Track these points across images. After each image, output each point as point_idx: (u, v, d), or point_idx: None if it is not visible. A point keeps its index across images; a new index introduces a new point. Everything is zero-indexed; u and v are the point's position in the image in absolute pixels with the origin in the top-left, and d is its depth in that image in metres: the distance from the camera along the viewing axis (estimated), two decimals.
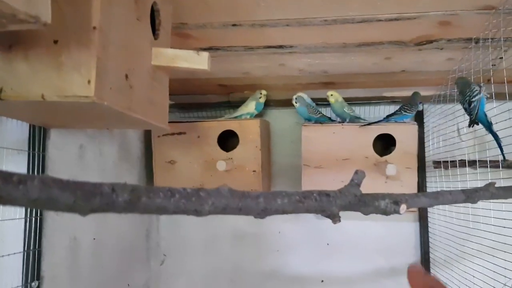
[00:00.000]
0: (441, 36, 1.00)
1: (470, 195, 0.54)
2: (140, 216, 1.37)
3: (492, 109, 1.01)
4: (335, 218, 0.47)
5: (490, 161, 1.05)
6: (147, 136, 1.37)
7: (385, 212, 0.49)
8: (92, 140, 1.07)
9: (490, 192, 0.56)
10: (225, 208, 0.39)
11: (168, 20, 0.87)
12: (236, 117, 1.36)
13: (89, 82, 0.58)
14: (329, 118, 1.32)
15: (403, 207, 0.48)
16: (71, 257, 0.98)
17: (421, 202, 0.51)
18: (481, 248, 1.17)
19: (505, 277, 0.99)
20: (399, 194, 0.50)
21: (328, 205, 0.46)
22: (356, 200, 0.47)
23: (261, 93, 1.36)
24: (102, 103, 0.60)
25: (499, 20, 0.90)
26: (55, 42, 0.60)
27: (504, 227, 1.00)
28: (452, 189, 1.21)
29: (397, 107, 1.28)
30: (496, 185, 0.57)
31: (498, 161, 1.02)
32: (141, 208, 0.35)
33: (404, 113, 1.23)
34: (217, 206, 0.39)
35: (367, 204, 0.48)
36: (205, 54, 0.76)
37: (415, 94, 1.28)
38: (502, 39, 0.91)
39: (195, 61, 0.77)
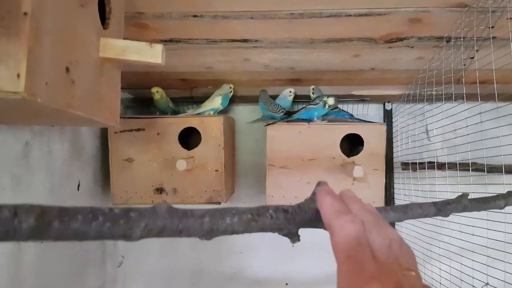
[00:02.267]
0: (411, 33, 0.96)
1: (442, 208, 0.50)
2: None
3: (464, 112, 0.98)
4: (293, 238, 0.41)
5: (459, 163, 1.02)
6: (103, 133, 1.28)
7: None
8: (39, 137, 0.98)
9: (462, 204, 0.52)
10: (162, 230, 0.33)
11: (121, 8, 0.79)
12: (200, 113, 1.29)
13: (18, 76, 0.51)
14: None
15: None
16: (14, 264, 0.89)
17: (390, 217, 0.46)
18: (446, 253, 1.15)
19: (473, 278, 0.97)
20: None
21: (286, 224, 0.40)
22: (318, 217, 0.42)
23: (230, 87, 1.29)
24: (35, 100, 0.53)
25: (472, 18, 0.87)
26: None
27: (468, 232, 0.98)
28: (419, 191, 1.19)
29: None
30: (468, 196, 0.53)
31: (467, 164, 0.99)
32: (52, 235, 0.28)
33: (311, 106, 1.19)
34: (151, 228, 0.33)
35: None
36: (158, 47, 0.70)
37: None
38: (475, 38, 0.88)
39: (147, 54, 0.70)
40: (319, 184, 0.44)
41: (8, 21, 0.51)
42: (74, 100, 0.62)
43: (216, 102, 1.28)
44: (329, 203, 0.38)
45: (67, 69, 0.60)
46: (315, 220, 0.42)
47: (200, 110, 1.30)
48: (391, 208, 0.47)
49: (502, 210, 0.58)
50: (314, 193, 0.43)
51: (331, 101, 1.16)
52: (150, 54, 0.70)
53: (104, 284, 1.36)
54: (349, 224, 0.34)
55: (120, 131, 1.22)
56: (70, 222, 0.29)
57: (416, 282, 0.32)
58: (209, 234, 0.36)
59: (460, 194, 0.54)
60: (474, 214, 0.99)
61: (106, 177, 1.27)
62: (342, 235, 0.34)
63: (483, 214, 0.96)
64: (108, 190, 1.25)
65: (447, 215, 0.51)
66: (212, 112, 1.29)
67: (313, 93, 1.26)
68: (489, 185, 0.90)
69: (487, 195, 0.83)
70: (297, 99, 1.34)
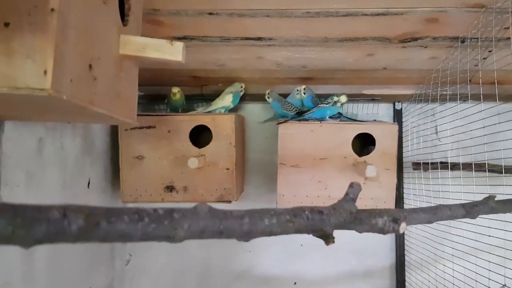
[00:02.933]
0: (426, 33, 0.96)
1: (470, 210, 0.50)
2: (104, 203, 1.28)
3: (467, 109, 0.98)
4: (328, 239, 0.41)
5: (472, 164, 1.02)
6: (114, 129, 1.28)
7: (383, 231, 0.43)
8: (52, 133, 0.97)
9: (489, 206, 0.51)
10: (203, 231, 0.33)
11: (139, 5, 0.79)
12: (210, 111, 1.28)
13: (45, 72, 0.50)
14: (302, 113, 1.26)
15: (403, 225, 0.43)
16: (26, 261, 0.89)
17: (420, 219, 0.46)
18: (455, 252, 1.15)
19: (489, 279, 0.97)
20: (397, 210, 0.44)
21: (321, 224, 0.40)
22: (352, 218, 0.42)
23: (242, 86, 1.29)
24: (61, 97, 0.52)
25: (488, 19, 0.87)
26: (6, 25, 0.51)
27: (483, 233, 0.98)
28: (431, 191, 1.19)
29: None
30: (495, 199, 0.53)
31: (479, 164, 0.99)
32: (99, 236, 0.28)
33: (322, 105, 1.19)
34: (193, 230, 0.32)
35: (363, 222, 0.42)
36: (179, 44, 0.69)
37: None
38: (493, 38, 0.87)
39: (168, 51, 0.69)
40: (352, 185, 0.43)
41: (35, 17, 0.51)
42: (96, 97, 0.62)
43: (227, 100, 1.28)
44: None
45: (90, 66, 0.60)
46: (349, 221, 0.42)
47: (211, 108, 1.29)
48: (421, 210, 0.47)
49: None
50: (347, 194, 0.43)
51: (343, 99, 1.16)
52: (171, 52, 0.69)
53: (112, 282, 1.36)
54: None
55: (131, 128, 1.22)
56: (117, 223, 0.28)
57: None
58: (248, 235, 0.36)
59: (487, 196, 0.53)
60: (479, 218, 0.99)
61: (116, 174, 1.27)
62: None
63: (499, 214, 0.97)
64: (117, 187, 1.25)
65: (474, 217, 0.51)
66: (222, 110, 1.29)
67: (304, 93, 1.24)
68: (499, 186, 0.90)
69: (503, 196, 0.83)
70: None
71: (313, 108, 1.22)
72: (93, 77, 0.61)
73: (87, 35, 0.58)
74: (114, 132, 1.28)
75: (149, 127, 1.22)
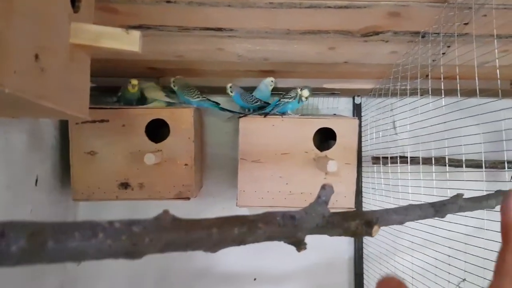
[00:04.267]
0: (388, 28, 0.95)
1: (439, 209, 0.49)
2: (55, 214, 1.21)
3: (427, 104, 0.99)
4: (300, 245, 0.39)
5: (432, 158, 1.03)
6: (64, 124, 1.20)
7: (355, 234, 0.41)
8: None
9: (458, 204, 0.50)
10: (168, 245, 0.30)
11: None
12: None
13: None
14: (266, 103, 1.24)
15: (375, 229, 0.41)
16: None
17: (392, 220, 0.44)
18: (412, 244, 1.17)
19: (434, 273, 0.98)
20: (369, 212, 0.42)
21: (294, 231, 0.37)
22: (324, 222, 0.39)
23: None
24: (2, 90, 0.47)
25: (449, 14, 0.87)
26: None
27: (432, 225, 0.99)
28: (390, 185, 1.19)
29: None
30: (463, 196, 0.52)
31: (443, 158, 1.00)
32: (46, 257, 0.24)
33: (286, 100, 1.18)
34: (156, 244, 0.29)
35: (336, 226, 0.40)
36: (136, 34, 0.64)
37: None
38: (454, 33, 0.88)
39: (123, 41, 0.64)
40: (324, 187, 0.41)
41: None
42: (44, 90, 0.56)
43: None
44: None
45: (37, 56, 0.54)
46: (322, 225, 0.39)
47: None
48: (393, 211, 0.45)
49: None
50: (319, 197, 0.41)
51: (305, 93, 1.14)
52: (127, 41, 0.65)
53: (64, 285, 1.29)
54: None
55: (82, 122, 1.15)
56: (67, 241, 0.24)
57: None
58: (216, 246, 0.33)
59: (456, 194, 0.53)
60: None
61: (66, 171, 1.19)
62: None
63: None
64: (68, 185, 1.18)
65: (443, 216, 0.50)
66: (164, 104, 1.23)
67: (231, 92, 1.23)
68: (459, 180, 0.91)
69: (462, 191, 0.83)
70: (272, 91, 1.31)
71: (275, 103, 1.19)
72: (40, 68, 0.55)
73: (33, 22, 0.53)
74: (64, 127, 1.20)
75: (102, 121, 1.16)
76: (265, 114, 1.17)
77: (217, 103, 1.27)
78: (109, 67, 1.20)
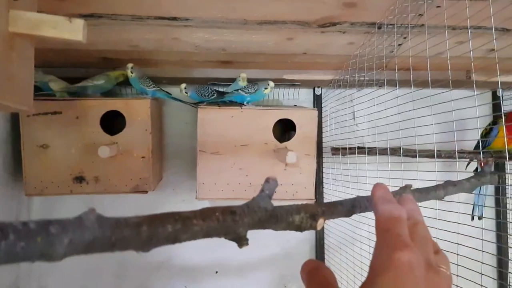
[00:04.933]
0: (345, 18, 0.95)
1: None
2: (7, 208, 1.17)
3: (383, 95, 1.00)
4: (241, 242, 0.38)
5: (388, 148, 1.04)
6: (15, 116, 1.16)
7: (300, 228, 0.41)
8: None
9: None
10: (91, 244, 0.28)
11: None
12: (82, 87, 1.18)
13: None
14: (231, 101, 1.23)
15: (320, 222, 0.41)
16: None
17: (338, 213, 0.44)
18: (369, 234, 1.18)
19: None
20: (314, 205, 0.42)
21: (234, 226, 0.36)
22: (267, 216, 0.39)
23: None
24: None
25: (404, 5, 0.88)
26: None
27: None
28: (349, 176, 1.21)
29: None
30: (411, 188, 0.52)
31: (399, 148, 1.02)
32: None
33: (242, 92, 1.17)
34: (77, 244, 0.27)
35: (279, 219, 0.40)
36: (79, 22, 0.62)
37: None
38: (408, 25, 0.89)
39: (66, 29, 0.61)
40: (268, 180, 0.40)
41: None
42: None
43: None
44: (382, 192, 0.40)
45: None
46: (265, 220, 0.39)
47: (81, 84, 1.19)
48: (339, 203, 0.45)
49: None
50: (262, 191, 0.40)
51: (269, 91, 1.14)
52: (69, 30, 0.62)
53: (17, 280, 1.24)
54: (394, 209, 0.36)
55: (34, 114, 1.10)
56: None
57: (445, 277, 0.33)
58: (147, 245, 0.31)
59: (403, 185, 0.53)
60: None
61: (18, 164, 1.15)
62: (386, 214, 0.35)
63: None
64: (20, 179, 1.13)
65: None
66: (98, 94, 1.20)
67: (186, 93, 1.22)
68: (413, 170, 0.92)
69: (416, 180, 0.85)
70: (229, 82, 1.29)
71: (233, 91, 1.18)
72: None
73: None
74: (14, 119, 1.15)
75: (55, 112, 1.12)
76: (220, 104, 1.15)
77: (169, 93, 1.24)
78: (62, 57, 1.15)
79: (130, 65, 1.18)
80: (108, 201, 1.33)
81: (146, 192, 1.15)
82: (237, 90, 1.17)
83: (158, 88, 1.21)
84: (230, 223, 0.36)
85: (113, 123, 1.18)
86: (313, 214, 0.41)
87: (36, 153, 1.11)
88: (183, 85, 1.21)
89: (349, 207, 0.46)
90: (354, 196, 0.48)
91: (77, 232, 0.27)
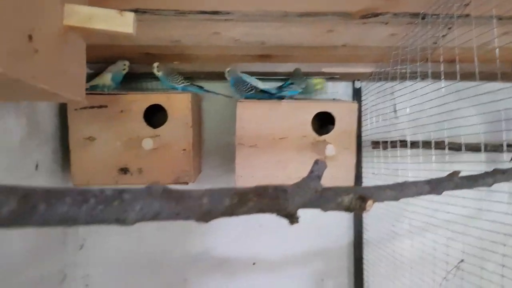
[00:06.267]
0: (388, 9, 0.94)
1: (435, 187, 0.49)
2: None
3: (426, 87, 0.98)
4: (292, 219, 0.39)
5: (432, 141, 1.03)
6: (62, 110, 1.20)
7: (349, 209, 0.41)
8: None
9: (454, 182, 0.51)
10: (158, 213, 0.30)
11: None
12: (91, 87, 1.22)
13: None
14: (269, 93, 1.24)
15: (369, 203, 0.41)
16: None
17: (387, 196, 0.45)
18: (412, 228, 1.17)
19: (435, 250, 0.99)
20: (363, 188, 0.43)
21: (285, 204, 0.37)
22: (317, 196, 0.39)
23: (124, 64, 1.24)
24: None
25: None
26: None
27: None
28: (390, 170, 1.19)
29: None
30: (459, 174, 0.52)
31: (442, 141, 1.00)
32: (37, 220, 0.24)
33: (296, 86, 1.18)
34: (147, 212, 0.29)
35: (328, 200, 0.40)
36: (129, 15, 0.64)
37: (297, 69, 1.26)
38: (453, 15, 0.87)
39: (117, 22, 0.64)
40: (316, 162, 0.41)
41: None
42: (38, 72, 0.56)
43: (105, 78, 1.22)
44: None
45: (30, 37, 0.54)
46: (315, 200, 0.39)
47: (91, 83, 1.22)
48: (387, 187, 0.45)
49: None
50: (312, 171, 0.41)
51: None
52: (120, 23, 0.64)
53: (65, 268, 1.30)
54: None
55: (81, 108, 1.15)
56: (58, 205, 0.25)
57: None
58: (207, 216, 0.33)
59: (451, 172, 0.53)
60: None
61: (66, 156, 1.20)
62: None
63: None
64: (68, 170, 1.18)
65: (439, 193, 0.50)
66: (105, 90, 1.22)
67: (228, 76, 1.23)
68: (458, 163, 0.91)
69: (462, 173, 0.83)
70: (267, 76, 1.30)
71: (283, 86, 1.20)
72: (34, 49, 0.55)
73: (26, 2, 0.52)
74: (62, 113, 1.20)
75: (100, 106, 1.16)
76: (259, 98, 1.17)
77: (201, 87, 1.27)
78: (105, 53, 1.19)
79: (155, 64, 1.21)
80: None
81: (187, 183, 1.18)
82: (289, 85, 1.18)
83: (188, 83, 1.24)
84: (282, 200, 0.37)
85: (155, 117, 1.21)
86: (362, 195, 0.41)
87: (83, 145, 1.16)
88: (228, 68, 1.23)
89: (398, 191, 0.46)
90: (401, 182, 0.48)
91: (146, 201, 0.29)
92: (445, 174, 1.00)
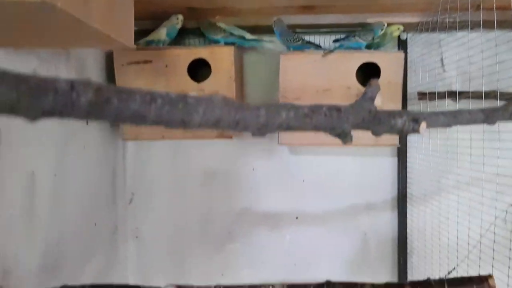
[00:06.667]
0: None
1: (489, 115, 0.48)
2: (105, 153, 1.27)
3: (477, 38, 0.94)
4: (346, 138, 0.39)
5: (482, 92, 0.99)
6: (109, 65, 1.24)
7: (402, 131, 0.41)
8: (46, 65, 0.94)
9: (509, 112, 0.49)
10: (219, 120, 0.31)
11: None
12: (147, 42, 1.23)
13: None
14: (316, 45, 1.22)
15: (423, 125, 0.41)
16: (29, 194, 0.88)
17: (440, 121, 0.44)
18: (457, 182, 1.15)
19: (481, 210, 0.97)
20: (416, 112, 0.42)
21: (339, 122, 0.38)
22: (371, 117, 0.40)
23: (177, 18, 1.23)
24: (55, 4, 0.49)
25: None
26: None
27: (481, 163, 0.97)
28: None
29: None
30: None
31: (492, 92, 0.97)
32: (111, 113, 0.26)
33: (358, 38, 1.15)
34: (209, 117, 0.30)
35: (382, 122, 0.41)
36: None
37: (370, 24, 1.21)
38: None
39: None
40: (370, 84, 0.41)
41: None
42: (92, 11, 0.58)
43: (160, 33, 1.22)
44: None
45: None
46: (368, 121, 0.40)
47: (146, 38, 1.23)
48: (441, 113, 0.45)
49: None
50: (365, 93, 0.41)
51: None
52: None
53: (116, 220, 1.36)
54: None
55: (127, 63, 1.18)
56: (129, 102, 0.26)
57: None
58: (264, 128, 0.34)
59: (507, 102, 0.51)
60: (485, 144, 0.98)
61: None
62: None
63: (494, 144, 0.96)
64: (117, 125, 1.23)
65: (493, 123, 0.49)
66: (161, 45, 1.23)
67: (274, 27, 1.20)
68: None
69: None
70: (307, 28, 1.28)
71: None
72: None
73: None
74: (109, 68, 1.23)
75: (146, 61, 1.18)
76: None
77: (242, 36, 1.25)
78: (149, 9, 1.20)
79: (274, 18, 1.20)
80: (194, 148, 1.41)
81: (231, 137, 1.20)
82: (348, 37, 1.16)
83: (228, 34, 1.22)
84: (336, 119, 0.38)
85: (199, 71, 1.22)
86: (415, 117, 0.41)
87: None
88: (274, 18, 1.21)
89: (451, 117, 0.46)
90: (454, 109, 0.48)
91: (209, 106, 0.30)
92: (495, 125, 0.97)
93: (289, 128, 0.35)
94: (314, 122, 0.37)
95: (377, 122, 0.40)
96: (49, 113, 0.23)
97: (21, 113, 0.22)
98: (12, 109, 0.22)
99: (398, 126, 0.41)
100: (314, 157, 1.42)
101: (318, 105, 0.38)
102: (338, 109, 0.38)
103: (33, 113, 0.23)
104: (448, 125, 0.45)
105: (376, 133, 0.42)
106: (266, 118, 0.33)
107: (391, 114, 0.41)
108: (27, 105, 0.22)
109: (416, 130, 0.41)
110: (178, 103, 0.28)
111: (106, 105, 0.25)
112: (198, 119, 0.29)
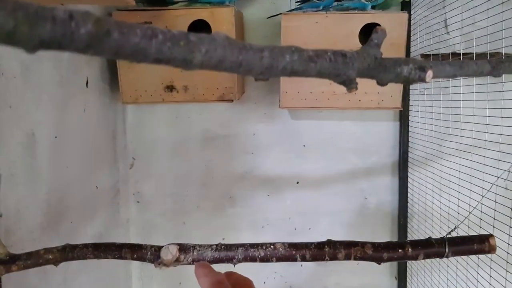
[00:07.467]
0: None
1: (496, 66, 0.47)
2: (105, 117, 1.26)
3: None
4: (351, 85, 0.38)
5: (487, 53, 0.98)
6: None
7: (408, 80, 0.41)
8: None
9: None
10: (222, 60, 0.30)
11: None
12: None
13: None
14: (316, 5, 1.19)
15: (429, 73, 0.40)
16: (30, 154, 0.88)
17: (446, 71, 0.43)
18: (459, 146, 1.14)
19: (483, 176, 0.97)
20: (423, 60, 0.41)
21: (344, 68, 0.37)
22: (376, 64, 0.39)
23: None
24: None
25: None
26: None
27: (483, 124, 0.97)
28: (440, 82, 1.16)
29: None
30: None
31: (497, 53, 0.95)
32: (111, 47, 0.25)
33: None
34: (211, 56, 0.29)
35: (387, 69, 0.40)
36: None
37: None
38: None
39: None
40: (376, 31, 0.40)
41: None
42: None
43: None
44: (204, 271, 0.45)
45: None
46: (374, 67, 0.39)
47: None
48: (447, 63, 0.44)
49: None
50: (371, 39, 0.40)
51: None
52: None
53: (117, 184, 1.37)
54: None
55: None
56: (130, 35, 0.25)
57: None
58: (268, 71, 0.33)
59: None
60: (489, 110, 0.97)
61: (114, 75, 1.23)
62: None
63: (497, 110, 0.95)
64: (116, 89, 1.22)
65: (499, 75, 0.48)
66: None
67: None
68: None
69: None
70: None
71: None
72: None
73: None
74: None
75: (145, 23, 1.16)
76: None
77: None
78: None
79: None
80: (195, 112, 1.40)
81: (232, 100, 1.19)
82: None
83: None
84: (341, 64, 0.37)
85: (199, 32, 1.20)
86: (422, 65, 0.40)
87: (130, 63, 1.18)
88: None
89: (457, 68, 0.45)
90: (461, 60, 0.47)
91: (211, 45, 0.29)
92: (499, 85, 0.96)
93: (293, 72, 0.35)
94: (319, 67, 0.36)
95: (382, 70, 0.39)
96: (48, 43, 0.22)
97: (18, 42, 0.22)
98: (9, 37, 0.21)
99: (404, 74, 0.40)
100: (315, 122, 1.42)
101: (323, 49, 0.37)
102: (343, 54, 0.37)
103: (31, 43, 0.22)
104: (454, 75, 0.44)
105: (381, 82, 0.41)
106: (270, 60, 0.32)
107: (397, 61, 0.40)
108: (24, 34, 0.21)
109: (422, 79, 0.40)
110: (179, 40, 0.27)
111: (106, 37, 0.24)
112: (200, 58, 0.28)
